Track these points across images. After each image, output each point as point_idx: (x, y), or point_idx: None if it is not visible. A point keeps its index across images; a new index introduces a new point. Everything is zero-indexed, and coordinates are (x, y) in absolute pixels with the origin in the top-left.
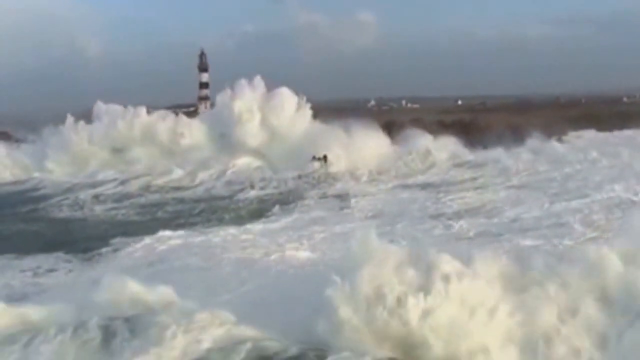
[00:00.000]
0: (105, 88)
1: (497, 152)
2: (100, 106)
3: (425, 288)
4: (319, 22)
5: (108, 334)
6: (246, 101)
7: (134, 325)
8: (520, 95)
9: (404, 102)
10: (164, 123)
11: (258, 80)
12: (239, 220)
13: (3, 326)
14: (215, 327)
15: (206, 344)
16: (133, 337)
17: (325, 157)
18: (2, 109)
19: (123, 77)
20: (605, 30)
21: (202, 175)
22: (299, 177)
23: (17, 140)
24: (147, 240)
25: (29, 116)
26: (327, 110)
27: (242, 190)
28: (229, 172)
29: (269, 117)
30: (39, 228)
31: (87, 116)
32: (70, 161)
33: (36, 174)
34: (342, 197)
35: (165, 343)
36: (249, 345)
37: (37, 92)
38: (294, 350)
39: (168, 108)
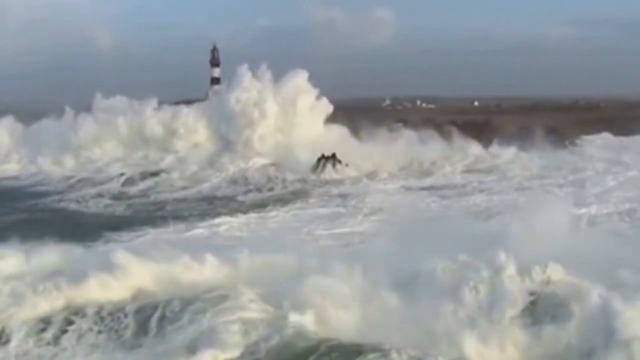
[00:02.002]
0: (115, 80)
1: (506, 155)
2: (99, 100)
3: None
4: (336, 17)
5: (142, 323)
6: (251, 94)
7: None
8: (538, 97)
9: (418, 102)
10: (161, 119)
11: (263, 70)
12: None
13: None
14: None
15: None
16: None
17: (334, 156)
18: (11, 98)
19: (134, 69)
20: (629, 32)
21: (206, 175)
22: (304, 179)
23: (26, 128)
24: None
25: (38, 106)
26: (342, 108)
27: (246, 192)
28: (234, 172)
29: (280, 112)
30: (36, 219)
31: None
32: (72, 155)
33: (39, 168)
34: (345, 197)
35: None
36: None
37: (47, 83)
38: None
39: (177, 103)
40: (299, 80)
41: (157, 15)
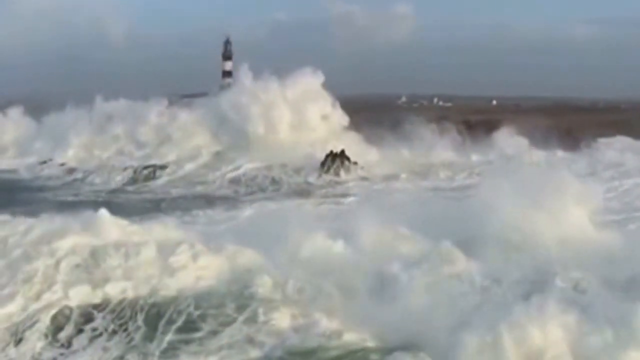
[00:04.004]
0: (127, 73)
1: (518, 157)
2: (98, 103)
3: None
4: (354, 12)
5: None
6: (253, 97)
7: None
8: (559, 98)
9: (435, 100)
10: (159, 123)
11: (268, 74)
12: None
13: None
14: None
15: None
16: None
17: (342, 153)
18: (20, 90)
19: (147, 62)
20: None
21: (206, 175)
22: (308, 181)
23: (32, 121)
24: None
25: (47, 98)
26: (354, 106)
27: (248, 193)
28: (236, 173)
29: (287, 119)
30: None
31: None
32: (71, 151)
33: (38, 163)
34: (348, 195)
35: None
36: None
37: (57, 74)
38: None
39: (186, 96)
40: (312, 83)
41: (171, 7)
